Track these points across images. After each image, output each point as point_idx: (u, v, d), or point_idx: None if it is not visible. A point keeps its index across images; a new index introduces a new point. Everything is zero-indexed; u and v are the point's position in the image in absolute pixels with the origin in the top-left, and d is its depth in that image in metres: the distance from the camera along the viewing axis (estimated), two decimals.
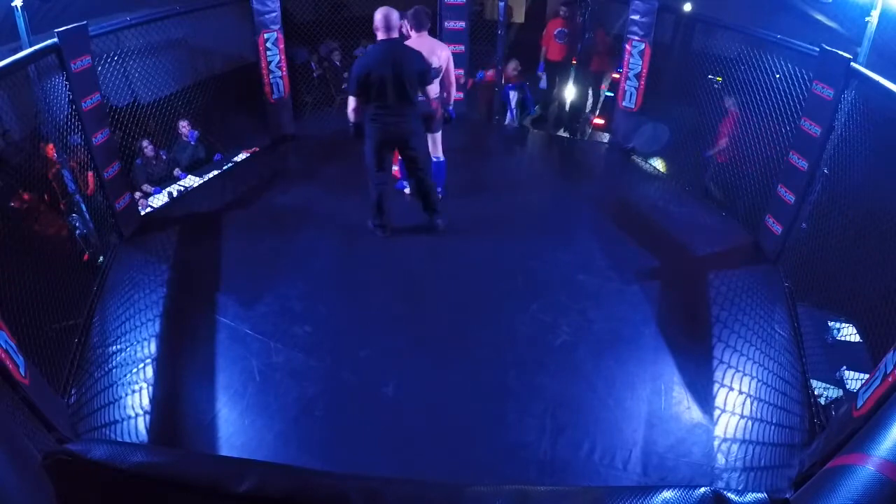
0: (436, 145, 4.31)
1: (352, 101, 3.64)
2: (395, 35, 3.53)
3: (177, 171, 5.13)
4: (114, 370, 3.08)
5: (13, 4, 3.29)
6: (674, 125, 5.31)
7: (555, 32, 6.02)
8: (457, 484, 0.99)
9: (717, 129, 4.94)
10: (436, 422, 2.85)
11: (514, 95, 6.13)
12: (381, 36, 3.51)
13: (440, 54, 3.97)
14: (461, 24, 5.75)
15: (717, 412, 2.92)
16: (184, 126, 5.28)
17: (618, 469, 2.64)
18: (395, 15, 3.49)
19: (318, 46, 6.50)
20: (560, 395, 2.99)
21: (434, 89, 3.76)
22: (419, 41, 3.89)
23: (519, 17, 7.88)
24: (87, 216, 3.86)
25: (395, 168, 4.64)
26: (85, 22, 3.63)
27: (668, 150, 5.42)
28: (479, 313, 3.52)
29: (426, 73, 3.58)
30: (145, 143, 5.00)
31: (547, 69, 6.35)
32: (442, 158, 4.42)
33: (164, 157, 5.15)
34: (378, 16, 3.47)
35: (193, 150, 5.33)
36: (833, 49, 3.47)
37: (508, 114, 6.22)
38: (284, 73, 5.38)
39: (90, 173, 3.94)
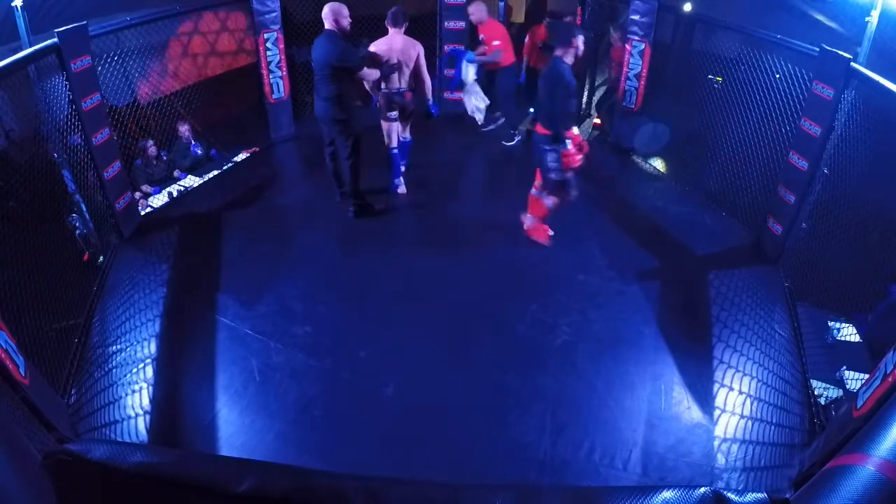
0: (405, 131, 4.69)
1: None
2: (331, 27, 3.86)
3: (177, 172, 5.12)
4: (114, 370, 3.08)
5: (13, 4, 3.29)
6: (674, 125, 5.31)
7: (540, 44, 5.81)
8: (457, 484, 1.00)
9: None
10: (436, 422, 2.85)
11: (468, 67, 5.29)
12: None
13: (410, 52, 4.24)
14: (461, 24, 5.75)
15: (717, 412, 2.92)
16: (184, 130, 5.27)
17: (618, 469, 2.64)
18: (341, 10, 3.85)
19: None
20: (560, 395, 2.99)
21: (372, 73, 4.03)
22: (392, 37, 4.22)
23: (518, 17, 7.86)
24: (87, 216, 3.86)
25: None
26: (85, 22, 3.63)
27: (668, 150, 5.41)
28: (479, 313, 3.52)
29: (337, 66, 3.85)
30: (149, 143, 4.99)
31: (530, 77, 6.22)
32: (409, 139, 4.76)
33: (164, 157, 5.14)
34: (324, 9, 3.89)
35: (193, 152, 5.33)
36: (833, 49, 3.47)
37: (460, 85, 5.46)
38: (284, 73, 5.38)
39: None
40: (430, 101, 4.49)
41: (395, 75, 4.24)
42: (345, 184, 4.37)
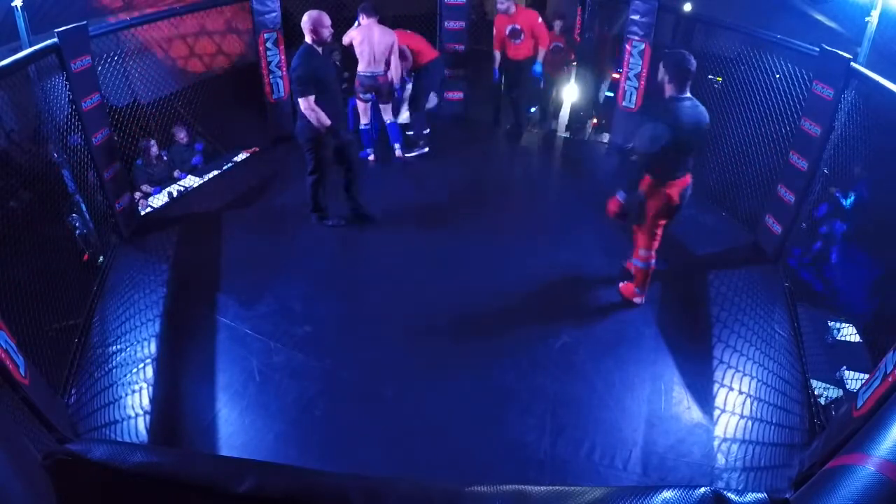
0: (386, 112, 5.06)
1: None
2: (308, 39, 3.67)
3: (177, 173, 5.12)
4: (114, 370, 3.07)
5: (13, 4, 3.29)
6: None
7: (551, 47, 5.71)
8: (457, 484, 1.00)
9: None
10: (435, 422, 2.85)
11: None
12: None
13: (387, 40, 4.55)
14: (461, 24, 5.75)
15: (717, 412, 2.92)
16: (181, 136, 5.26)
17: (618, 469, 2.64)
18: (320, 19, 3.64)
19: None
20: (560, 396, 2.99)
21: (303, 104, 3.65)
22: (369, 27, 4.52)
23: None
24: (87, 216, 3.86)
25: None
26: (85, 22, 3.63)
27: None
28: (479, 313, 3.52)
29: (294, 83, 3.70)
30: (151, 142, 4.99)
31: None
32: (392, 121, 5.15)
33: (164, 157, 5.14)
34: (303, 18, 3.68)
35: (191, 155, 5.33)
36: (833, 49, 3.47)
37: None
38: (284, 73, 5.38)
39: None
40: (397, 85, 4.86)
41: (372, 60, 4.58)
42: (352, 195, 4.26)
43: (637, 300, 3.56)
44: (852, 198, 3.75)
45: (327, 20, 3.67)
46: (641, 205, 3.28)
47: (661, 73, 2.95)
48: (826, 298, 3.67)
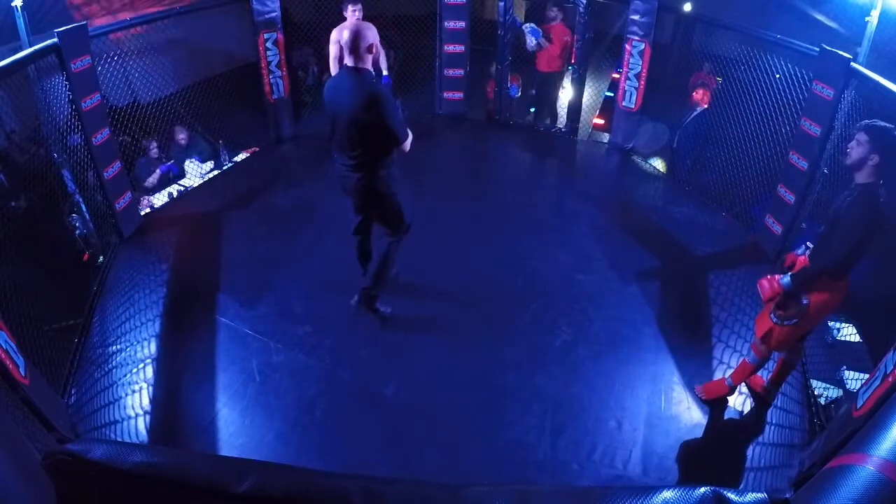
0: None
1: None
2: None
3: (194, 161, 5.11)
4: (114, 370, 3.08)
5: (13, 4, 3.29)
6: (674, 125, 5.32)
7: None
8: (457, 484, 0.99)
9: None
10: (436, 422, 2.85)
11: None
12: None
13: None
14: (461, 24, 5.75)
15: (717, 412, 2.92)
16: (181, 137, 5.25)
17: (618, 469, 2.64)
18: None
19: (320, 46, 6.49)
20: (560, 395, 2.99)
21: (409, 143, 2.93)
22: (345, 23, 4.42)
23: (519, 17, 7.87)
24: (87, 216, 3.86)
25: None
26: (85, 22, 3.64)
27: (667, 150, 5.42)
28: (479, 313, 3.52)
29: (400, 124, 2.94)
30: (153, 144, 4.98)
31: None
32: None
33: (164, 159, 5.12)
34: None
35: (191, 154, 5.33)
36: (833, 49, 3.47)
37: None
38: (284, 72, 5.38)
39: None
40: None
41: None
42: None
43: (728, 395, 2.99)
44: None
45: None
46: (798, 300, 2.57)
47: (865, 151, 2.27)
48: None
